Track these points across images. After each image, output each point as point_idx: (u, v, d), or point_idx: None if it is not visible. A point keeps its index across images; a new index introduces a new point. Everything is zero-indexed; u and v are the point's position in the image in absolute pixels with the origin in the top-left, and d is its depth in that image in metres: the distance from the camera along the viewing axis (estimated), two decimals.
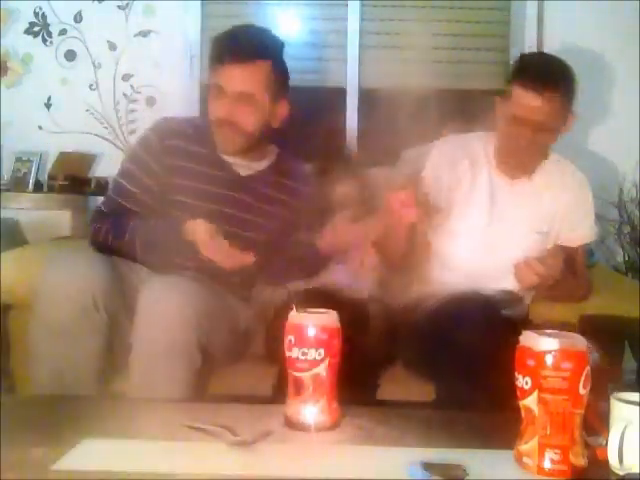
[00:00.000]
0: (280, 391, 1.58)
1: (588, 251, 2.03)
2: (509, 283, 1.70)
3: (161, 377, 1.45)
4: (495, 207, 1.74)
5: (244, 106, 1.61)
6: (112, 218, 1.67)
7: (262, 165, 1.77)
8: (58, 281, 1.46)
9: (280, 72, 1.66)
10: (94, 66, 2.63)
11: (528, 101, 1.60)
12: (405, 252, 1.70)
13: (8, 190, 2.58)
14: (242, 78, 1.59)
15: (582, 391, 0.99)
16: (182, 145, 1.69)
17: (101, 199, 1.88)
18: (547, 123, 1.63)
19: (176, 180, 1.68)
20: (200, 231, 1.56)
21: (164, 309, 1.45)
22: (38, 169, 2.60)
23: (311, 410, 1.15)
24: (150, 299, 1.48)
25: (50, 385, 1.48)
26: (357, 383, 1.48)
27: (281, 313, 1.24)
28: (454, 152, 1.77)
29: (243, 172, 1.74)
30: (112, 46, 2.62)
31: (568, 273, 1.64)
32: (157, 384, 1.45)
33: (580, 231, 1.79)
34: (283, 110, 1.70)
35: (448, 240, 1.75)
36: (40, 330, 1.47)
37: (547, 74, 1.62)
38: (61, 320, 1.45)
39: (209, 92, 1.67)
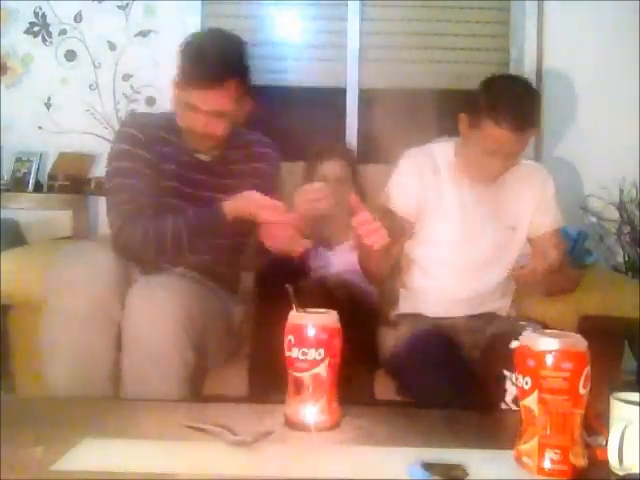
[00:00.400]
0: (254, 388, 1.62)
1: (586, 251, 2.03)
2: (488, 280, 1.77)
3: (154, 378, 1.45)
4: (464, 209, 1.77)
5: (217, 120, 1.65)
6: (142, 220, 1.64)
7: (227, 147, 1.79)
8: (75, 275, 1.47)
9: (246, 78, 1.69)
10: (94, 66, 2.63)
11: (500, 136, 1.62)
12: (384, 267, 1.74)
13: (8, 190, 2.57)
14: (214, 99, 1.62)
15: (582, 391, 0.99)
16: (160, 134, 1.73)
17: (102, 199, 1.87)
18: (518, 151, 1.68)
19: (164, 166, 1.71)
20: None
21: (154, 309, 1.45)
22: (38, 169, 2.60)
23: (311, 410, 1.16)
24: (139, 299, 1.48)
25: (66, 384, 1.47)
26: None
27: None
28: (419, 163, 1.80)
29: (206, 159, 1.77)
30: (112, 46, 2.62)
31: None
32: (150, 385, 1.45)
33: (550, 218, 1.82)
34: (248, 106, 1.74)
35: (423, 248, 1.79)
36: (58, 324, 1.46)
37: (520, 114, 1.62)
38: (79, 310, 1.45)
39: (178, 102, 1.68)
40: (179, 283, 1.53)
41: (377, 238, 1.48)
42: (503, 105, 1.63)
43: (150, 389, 1.44)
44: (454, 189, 1.78)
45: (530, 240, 1.82)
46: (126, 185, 1.68)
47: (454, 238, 1.77)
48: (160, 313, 1.45)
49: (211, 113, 1.64)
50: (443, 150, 1.82)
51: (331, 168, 2.13)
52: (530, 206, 1.80)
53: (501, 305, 1.82)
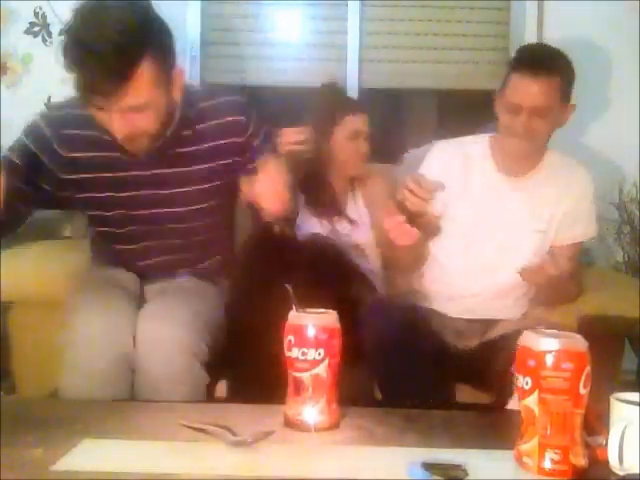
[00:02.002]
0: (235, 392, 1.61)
1: (584, 250, 2.03)
2: (509, 282, 1.71)
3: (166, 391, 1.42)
4: (494, 208, 1.73)
5: (138, 116, 1.37)
6: None
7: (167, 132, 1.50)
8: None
9: (164, 50, 1.39)
10: None
11: (523, 86, 1.61)
12: (410, 262, 1.78)
13: None
14: (124, 93, 1.31)
15: (582, 391, 0.99)
16: (80, 134, 1.50)
17: None
18: (543, 108, 1.62)
19: (82, 175, 1.52)
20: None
21: (161, 341, 1.41)
22: None
23: (311, 410, 1.16)
24: (146, 332, 1.43)
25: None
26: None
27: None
28: (449, 157, 1.78)
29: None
30: None
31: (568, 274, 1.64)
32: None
33: (579, 229, 1.77)
34: (180, 79, 1.44)
35: (446, 244, 1.77)
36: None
37: (542, 58, 1.65)
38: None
39: (97, 113, 1.38)
40: (178, 306, 1.47)
41: (408, 239, 1.54)
42: (526, 54, 1.68)
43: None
44: (484, 185, 1.74)
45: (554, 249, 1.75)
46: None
47: (476, 235, 1.73)
48: (167, 346, 1.41)
49: (133, 109, 1.33)
50: (476, 144, 1.79)
51: (361, 123, 2.07)
52: (563, 211, 1.73)
53: (509, 314, 1.76)
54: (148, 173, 1.52)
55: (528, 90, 1.62)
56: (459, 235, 1.75)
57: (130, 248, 1.63)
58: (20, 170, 1.47)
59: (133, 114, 1.35)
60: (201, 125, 1.53)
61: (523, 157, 1.72)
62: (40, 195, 1.53)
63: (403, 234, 1.56)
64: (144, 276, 1.66)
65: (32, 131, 1.56)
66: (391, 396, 1.56)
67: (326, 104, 2.10)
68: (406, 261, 1.79)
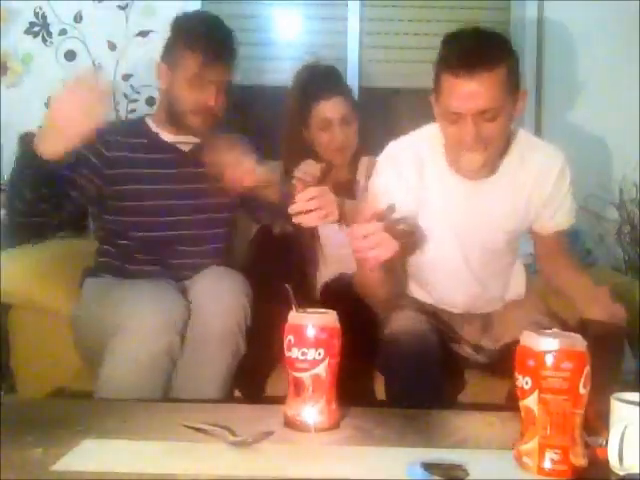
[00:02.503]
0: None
1: (585, 250, 2.03)
2: (479, 289, 1.66)
3: (211, 362, 1.51)
4: (451, 210, 1.56)
5: (221, 94, 1.70)
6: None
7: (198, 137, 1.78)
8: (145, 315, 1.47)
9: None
10: (94, 66, 2.63)
11: (461, 88, 1.35)
12: (384, 284, 1.50)
13: None
14: (222, 70, 1.70)
15: (582, 391, 0.99)
16: (121, 140, 1.73)
17: None
18: (489, 109, 1.37)
19: (126, 170, 1.71)
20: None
21: (219, 297, 1.53)
22: None
23: (311, 410, 1.16)
24: (205, 287, 1.55)
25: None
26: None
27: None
28: (398, 162, 1.56)
29: (185, 148, 1.78)
30: (112, 46, 2.62)
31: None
32: (206, 368, 1.51)
33: (558, 218, 1.63)
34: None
35: (416, 260, 1.63)
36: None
37: (475, 49, 1.37)
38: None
39: (183, 81, 1.69)
40: (235, 273, 1.60)
41: (384, 251, 1.28)
42: (455, 48, 1.40)
43: (203, 372, 1.51)
44: (441, 188, 1.54)
45: (536, 237, 1.68)
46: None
47: (441, 243, 1.58)
48: (224, 302, 1.52)
49: (217, 85, 1.67)
50: (428, 139, 1.56)
51: (330, 110, 1.93)
52: (538, 202, 1.58)
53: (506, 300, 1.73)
54: (185, 170, 1.75)
55: (467, 91, 1.36)
56: (426, 246, 1.58)
57: (160, 239, 1.73)
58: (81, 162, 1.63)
59: (218, 92, 1.69)
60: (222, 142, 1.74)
61: (481, 169, 1.50)
62: (88, 190, 1.67)
63: (377, 245, 1.29)
64: (175, 269, 1.71)
65: None
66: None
67: (296, 95, 2.02)
68: (382, 280, 1.47)
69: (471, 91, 1.36)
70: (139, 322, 1.44)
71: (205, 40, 1.68)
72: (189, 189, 1.75)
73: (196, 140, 1.76)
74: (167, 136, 1.77)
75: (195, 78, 1.66)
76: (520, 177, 1.56)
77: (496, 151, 1.49)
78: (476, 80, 1.35)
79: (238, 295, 1.55)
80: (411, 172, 1.54)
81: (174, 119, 1.73)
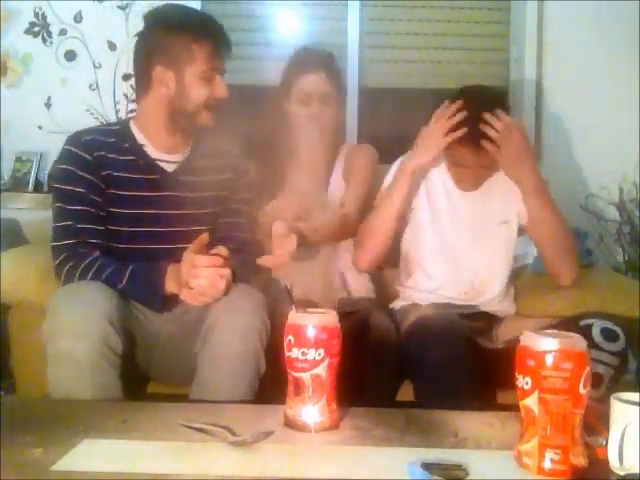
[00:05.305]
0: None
1: (585, 250, 2.04)
2: (486, 278, 1.83)
3: (230, 383, 1.45)
4: (456, 212, 1.83)
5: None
6: (89, 257, 1.58)
7: (184, 155, 1.73)
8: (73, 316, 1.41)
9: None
10: (94, 66, 2.63)
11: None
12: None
13: (8, 190, 2.57)
14: (225, 57, 1.68)
15: (582, 391, 1.00)
16: (109, 155, 1.66)
17: None
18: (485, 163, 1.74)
19: (112, 191, 1.65)
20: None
21: (238, 317, 1.47)
22: (38, 169, 2.59)
23: (311, 410, 1.16)
24: (223, 305, 1.49)
25: None
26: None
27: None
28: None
29: (169, 168, 1.70)
30: (112, 46, 2.62)
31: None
32: (224, 389, 1.45)
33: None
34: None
35: (422, 249, 1.86)
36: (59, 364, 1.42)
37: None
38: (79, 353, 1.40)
39: (192, 76, 1.63)
40: (256, 292, 1.55)
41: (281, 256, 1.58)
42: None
43: (222, 393, 1.45)
44: (444, 194, 1.84)
45: (525, 229, 1.84)
46: (72, 212, 1.61)
47: (446, 240, 1.83)
48: (243, 323, 1.46)
49: (223, 74, 1.66)
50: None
51: (311, 84, 1.91)
52: (517, 196, 1.80)
53: (502, 309, 1.85)
54: (169, 194, 1.68)
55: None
56: (429, 241, 1.84)
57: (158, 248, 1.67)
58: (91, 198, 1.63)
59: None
60: (211, 162, 1.74)
61: (478, 182, 1.81)
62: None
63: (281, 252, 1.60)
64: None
65: (69, 157, 1.68)
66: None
67: (285, 69, 2.01)
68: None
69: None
70: (65, 318, 1.39)
71: (206, 30, 1.64)
72: (171, 215, 1.67)
73: (180, 159, 1.70)
74: (152, 151, 1.69)
75: (206, 70, 1.63)
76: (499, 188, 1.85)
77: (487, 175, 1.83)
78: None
79: (258, 313, 1.49)
80: (419, 178, 1.83)
81: (181, 121, 1.67)
